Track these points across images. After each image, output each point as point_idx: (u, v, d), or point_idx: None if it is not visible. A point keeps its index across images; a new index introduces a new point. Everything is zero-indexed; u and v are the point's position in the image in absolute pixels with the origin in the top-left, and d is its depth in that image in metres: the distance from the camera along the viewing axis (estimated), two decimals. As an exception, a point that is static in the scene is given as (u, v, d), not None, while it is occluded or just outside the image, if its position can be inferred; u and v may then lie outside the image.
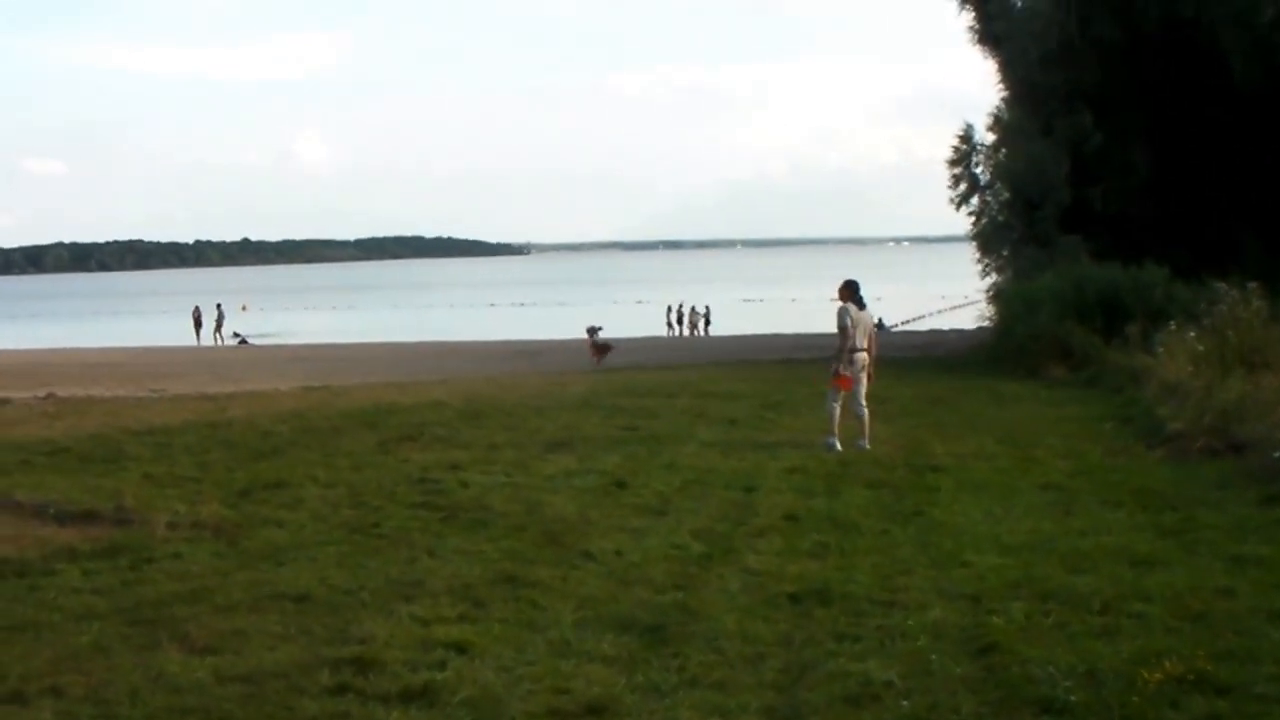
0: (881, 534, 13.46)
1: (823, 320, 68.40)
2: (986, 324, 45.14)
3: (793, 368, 38.31)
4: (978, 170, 48.72)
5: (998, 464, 18.23)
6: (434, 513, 14.79)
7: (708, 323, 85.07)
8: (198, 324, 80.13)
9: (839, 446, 19.76)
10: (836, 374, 20.38)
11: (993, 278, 49.46)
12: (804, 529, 13.75)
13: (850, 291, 20.47)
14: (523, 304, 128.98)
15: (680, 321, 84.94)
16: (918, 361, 38.80)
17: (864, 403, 20.32)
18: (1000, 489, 16.04)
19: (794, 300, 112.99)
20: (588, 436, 21.49)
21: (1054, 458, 18.65)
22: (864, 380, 20.46)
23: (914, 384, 23.87)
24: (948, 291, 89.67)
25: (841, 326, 20.29)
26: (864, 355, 20.41)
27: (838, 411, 20.23)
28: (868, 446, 19.92)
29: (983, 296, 50.10)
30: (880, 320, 50.22)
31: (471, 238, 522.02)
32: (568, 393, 29.91)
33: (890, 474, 17.55)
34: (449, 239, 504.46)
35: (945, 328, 63.55)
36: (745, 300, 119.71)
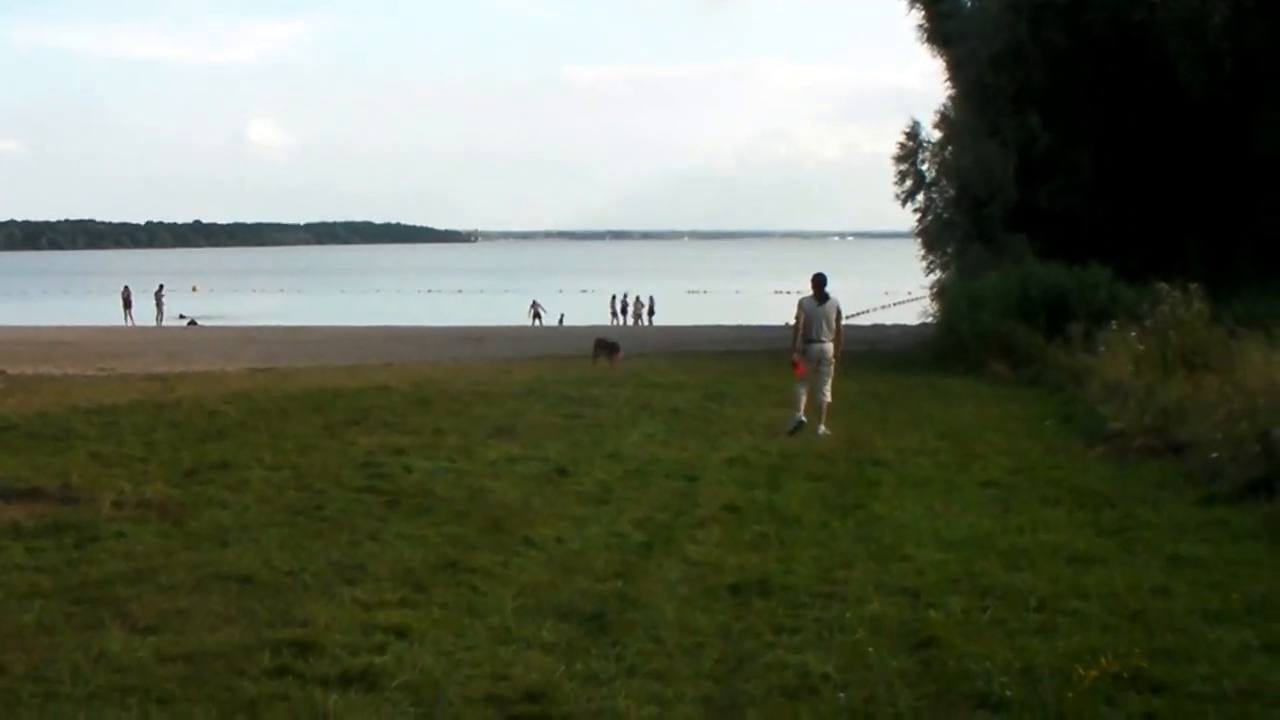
0: (822, 527, 13.45)
1: (766, 313, 68.64)
2: (930, 320, 45.19)
3: (736, 359, 38.52)
4: (923, 167, 48.99)
5: (939, 460, 18.34)
6: (378, 497, 14.79)
7: (651, 313, 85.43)
8: (127, 304, 78.37)
9: (803, 419, 20.85)
10: (793, 361, 21.60)
11: (937, 274, 49.77)
12: (745, 520, 13.80)
13: (813, 284, 21.51)
14: (466, 291, 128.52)
15: (624, 311, 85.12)
16: (861, 356, 38.85)
17: (827, 392, 21.25)
18: (941, 485, 16.10)
19: (738, 292, 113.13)
20: (531, 424, 21.57)
21: (995, 455, 18.76)
22: (824, 370, 21.26)
23: (857, 379, 24.00)
24: (891, 287, 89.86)
25: (796, 318, 21.65)
26: (820, 346, 21.18)
27: (803, 394, 21.33)
28: (825, 432, 20.64)
29: (927, 293, 50.26)
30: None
31: (420, 224, 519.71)
32: (512, 380, 29.97)
33: (832, 467, 17.60)
34: (398, 225, 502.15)
35: (888, 323, 63.67)
36: (690, 291, 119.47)
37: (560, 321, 79.33)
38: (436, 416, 22.44)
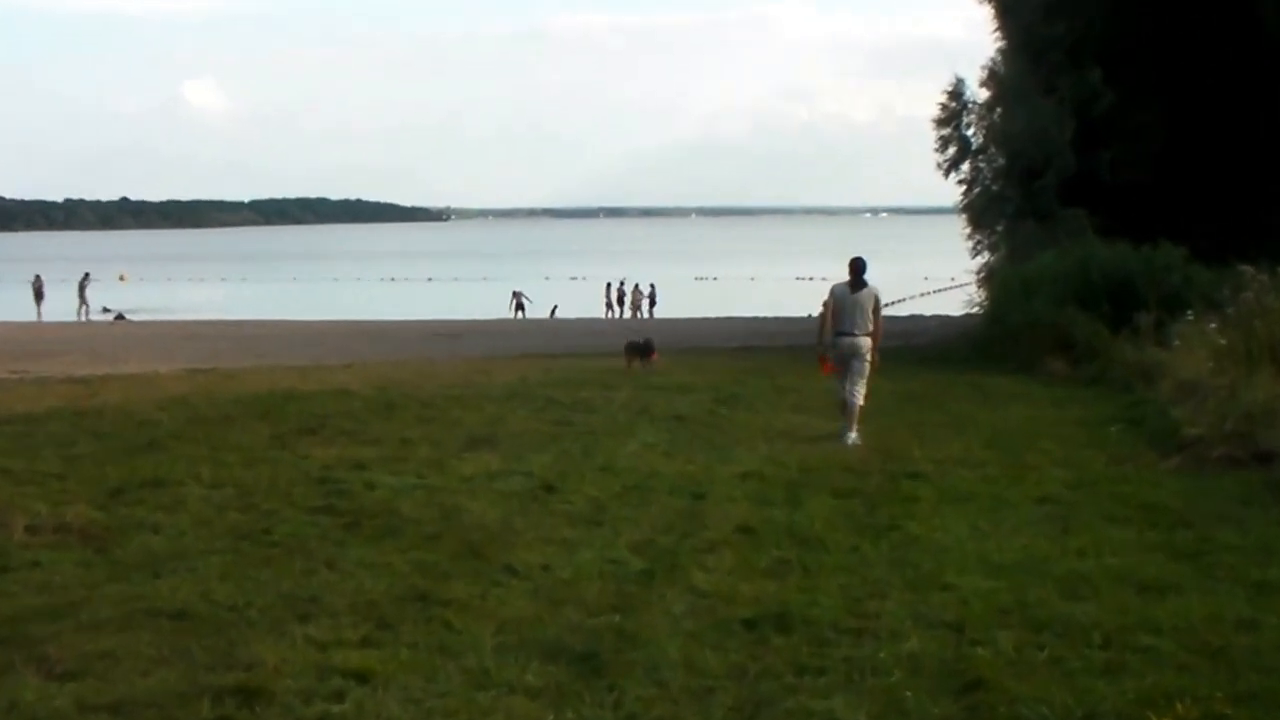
0: (850, 550, 13.45)
1: (786, 303, 68.43)
2: (976, 310, 45.03)
3: (751, 357, 38.46)
4: (969, 132, 48.62)
5: (986, 472, 18.28)
6: (335, 518, 14.80)
7: (653, 303, 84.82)
8: (38, 295, 77.73)
9: (848, 440, 20.83)
10: (819, 357, 22.00)
11: (984, 257, 49.46)
12: (760, 543, 13.78)
13: (851, 269, 21.45)
14: (438, 278, 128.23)
15: (621, 301, 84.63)
16: (896, 352, 38.66)
17: (858, 393, 21.25)
18: (988, 501, 16.08)
19: (753, 279, 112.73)
20: (514, 432, 21.58)
21: (1051, 465, 18.69)
22: (855, 368, 21.30)
23: (891, 378, 23.93)
24: (931, 271, 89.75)
25: (824, 305, 21.71)
26: (851, 340, 21.21)
27: (841, 393, 21.49)
28: (853, 440, 20.76)
29: (972, 278, 50.09)
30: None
31: (384, 200, 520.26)
32: (492, 381, 29.91)
33: (862, 481, 17.53)
34: (358, 202, 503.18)
35: (927, 313, 63.55)
36: (698, 278, 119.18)
37: (552, 314, 79.24)
38: (404, 424, 22.46)
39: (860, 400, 21.24)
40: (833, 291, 21.55)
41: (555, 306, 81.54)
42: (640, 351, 34.37)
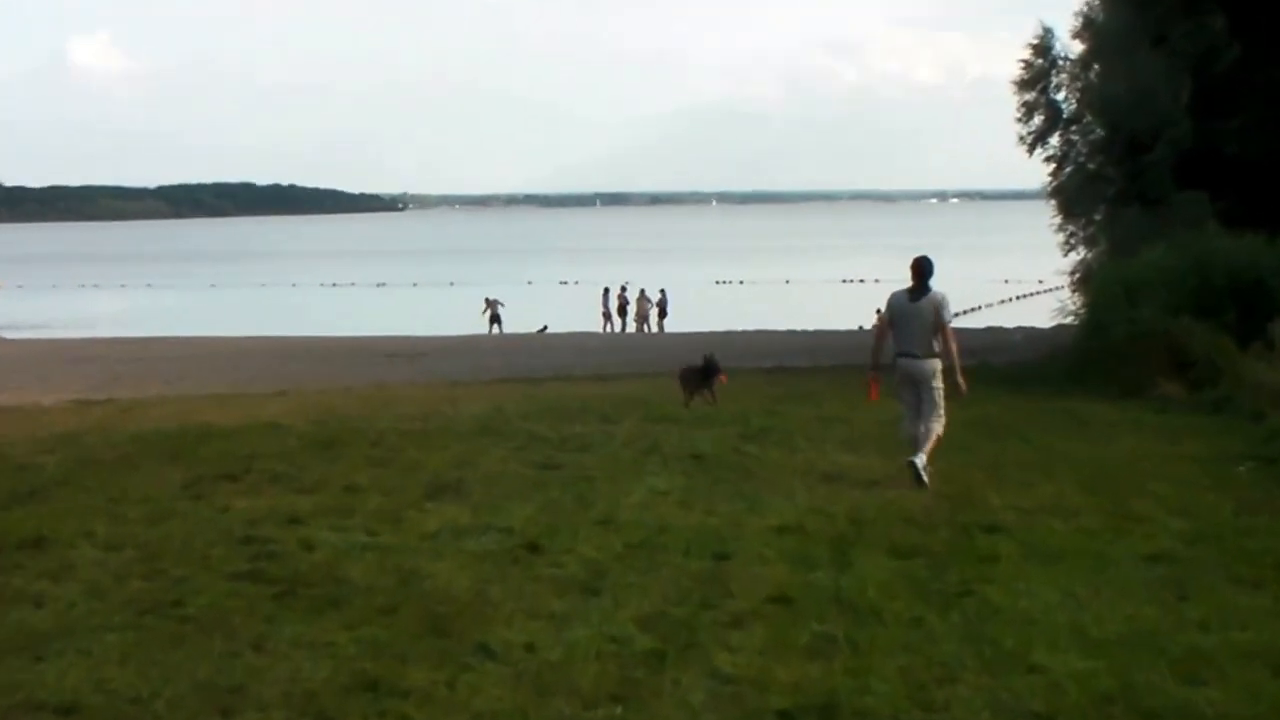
0: (912, 624, 13.42)
1: (831, 311, 68.18)
2: (1069, 320, 44.99)
3: (787, 380, 38.42)
4: (1058, 96, 48.60)
5: (1082, 523, 18.19)
6: (264, 587, 14.76)
7: (663, 314, 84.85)
8: None
9: (923, 476, 20.72)
10: (869, 379, 22.15)
11: (1079, 253, 49.39)
12: (800, 615, 13.73)
13: (913, 272, 21.40)
14: (393, 284, 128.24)
15: (623, 311, 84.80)
16: (971, 373, 38.76)
17: (933, 425, 21.11)
18: (1086, 559, 16.00)
19: (789, 282, 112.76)
20: (489, 476, 21.48)
21: (1164, 514, 18.59)
22: (925, 396, 21.18)
23: (963, 404, 23.69)
24: (1013, 272, 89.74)
25: (879, 317, 21.95)
26: (912, 363, 21.13)
27: (911, 429, 21.39)
28: (921, 464, 20.70)
29: (1064, 280, 50.04)
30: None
31: (323, 186, 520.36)
32: (461, 413, 29.92)
33: (927, 536, 17.44)
34: (291, 188, 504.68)
35: (1009, 325, 63.61)
36: (719, 282, 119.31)
37: (542, 331, 78.99)
38: (350, 467, 22.36)
39: (931, 436, 21.07)
40: (889, 301, 21.48)
41: (545, 326, 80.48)
42: (702, 377, 31.52)
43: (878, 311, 21.57)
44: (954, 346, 21.22)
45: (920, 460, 20.74)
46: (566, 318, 79.17)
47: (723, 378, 31.55)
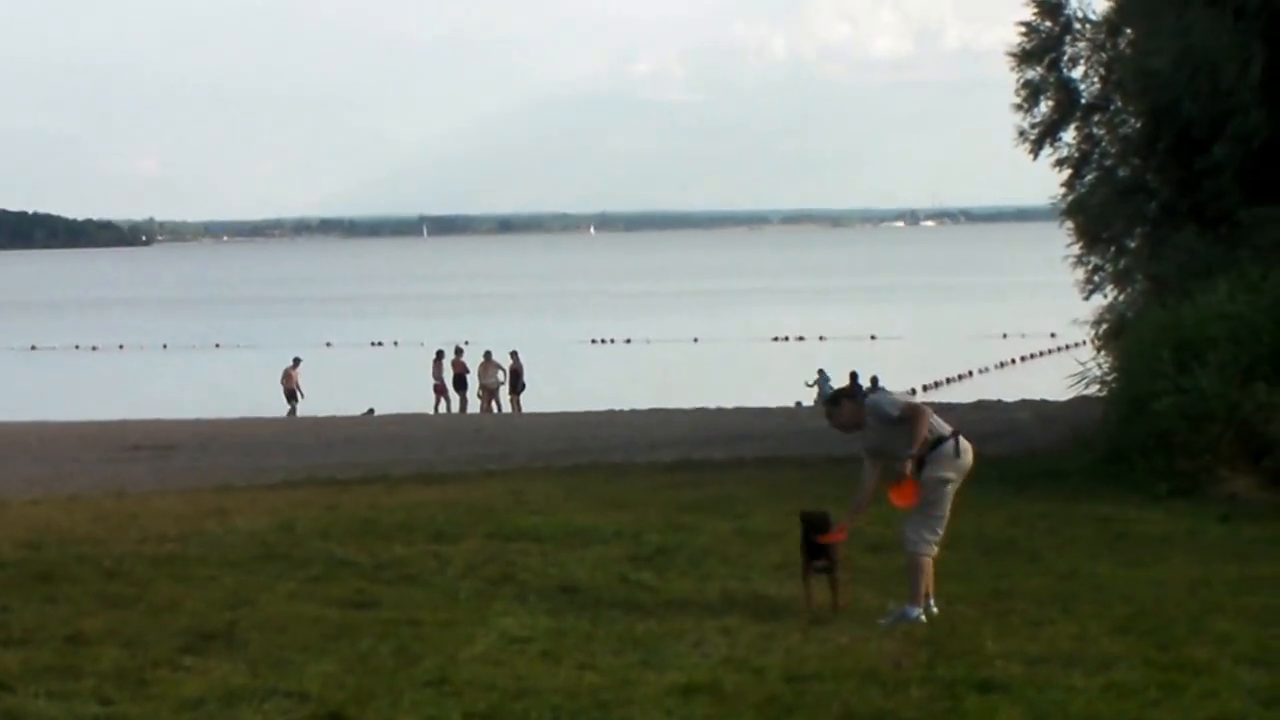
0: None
1: (758, 383, 65.04)
2: (1095, 391, 39.89)
3: (696, 479, 33.89)
4: (1075, 74, 43.69)
5: (1116, 677, 15.36)
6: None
7: (516, 386, 77.34)
8: None
9: (919, 614, 18.24)
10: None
11: (1106, 295, 44.77)
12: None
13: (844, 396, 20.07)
14: (133, 346, 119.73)
15: (462, 384, 77.01)
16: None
17: (913, 537, 18.42)
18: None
19: (696, 341, 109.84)
20: (273, 620, 18.60)
21: (1232, 665, 15.76)
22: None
23: (952, 515, 19.99)
24: (1013, 324, 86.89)
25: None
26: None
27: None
28: (888, 621, 18.10)
29: (1086, 334, 46.22)
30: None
31: (33, 211, 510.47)
32: (235, 529, 26.19)
33: (893, 700, 14.76)
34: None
35: (1010, 398, 59.57)
36: (596, 340, 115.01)
37: (370, 413, 68.50)
38: (75, 610, 19.26)
39: (920, 550, 18.36)
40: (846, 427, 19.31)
41: (371, 409, 69.28)
42: (817, 537, 20.67)
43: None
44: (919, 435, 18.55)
45: (917, 612, 18.14)
46: (382, 394, 72.55)
47: (842, 534, 20.90)
